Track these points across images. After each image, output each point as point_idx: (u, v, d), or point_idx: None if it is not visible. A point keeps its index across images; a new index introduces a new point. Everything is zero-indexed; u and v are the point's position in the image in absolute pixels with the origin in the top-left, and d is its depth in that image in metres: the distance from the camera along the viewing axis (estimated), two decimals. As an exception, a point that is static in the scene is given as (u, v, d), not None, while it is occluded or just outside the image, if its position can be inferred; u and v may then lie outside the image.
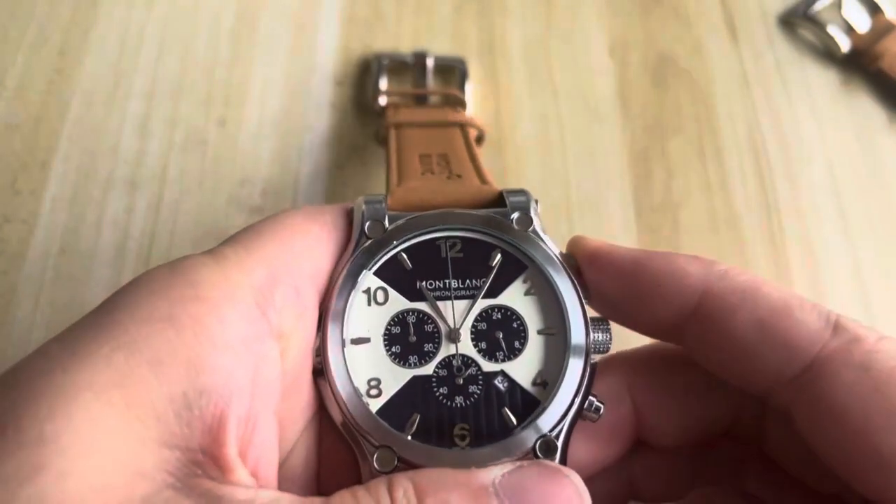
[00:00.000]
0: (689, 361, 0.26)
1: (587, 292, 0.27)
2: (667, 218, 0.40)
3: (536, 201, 0.29)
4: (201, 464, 0.21)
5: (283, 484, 0.25)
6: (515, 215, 0.28)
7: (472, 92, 0.43)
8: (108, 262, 0.38)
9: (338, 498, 0.21)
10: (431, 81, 0.43)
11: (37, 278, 0.37)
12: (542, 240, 0.27)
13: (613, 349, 0.27)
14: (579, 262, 0.27)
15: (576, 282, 0.27)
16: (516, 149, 0.42)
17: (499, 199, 0.29)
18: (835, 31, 0.45)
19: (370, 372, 0.26)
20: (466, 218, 0.28)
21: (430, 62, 0.43)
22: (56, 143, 0.41)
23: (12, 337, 0.36)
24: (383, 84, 0.43)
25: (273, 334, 0.24)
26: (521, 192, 0.29)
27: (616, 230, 0.39)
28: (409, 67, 0.44)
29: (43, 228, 0.38)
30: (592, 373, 0.26)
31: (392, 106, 0.41)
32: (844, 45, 0.45)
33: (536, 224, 0.28)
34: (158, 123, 0.42)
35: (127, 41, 0.44)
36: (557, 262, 0.27)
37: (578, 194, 0.41)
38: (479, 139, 0.41)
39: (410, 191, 0.29)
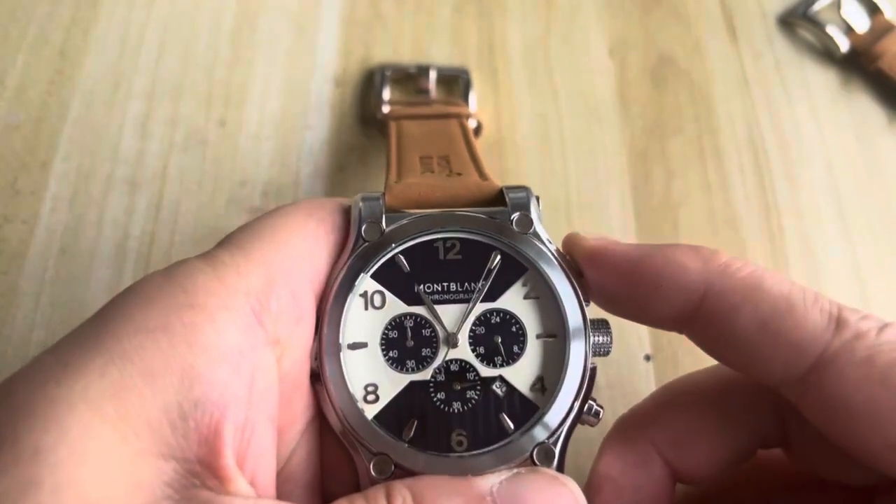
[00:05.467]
0: (701, 401, 0.26)
1: (588, 292, 0.27)
2: (667, 218, 0.40)
3: (538, 198, 0.28)
4: (199, 475, 0.20)
5: (285, 486, 0.25)
6: (516, 216, 0.27)
7: (476, 102, 0.43)
8: (108, 262, 0.38)
9: None
10: (434, 92, 0.43)
11: (37, 278, 0.37)
12: (542, 241, 0.27)
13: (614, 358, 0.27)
14: (578, 261, 0.27)
15: (576, 285, 0.26)
16: (516, 149, 0.42)
17: (499, 196, 0.28)
18: (834, 32, 0.45)
19: (367, 377, 0.26)
20: (464, 219, 0.27)
21: (433, 74, 0.43)
22: (56, 144, 0.41)
23: (12, 337, 0.36)
24: (386, 95, 0.43)
25: (269, 341, 0.23)
26: (522, 188, 0.28)
27: (616, 230, 0.39)
28: (412, 77, 0.44)
29: (43, 228, 0.38)
30: (592, 377, 0.26)
31: (393, 108, 0.41)
32: (844, 45, 0.45)
33: (537, 224, 0.27)
34: (158, 123, 0.42)
35: (127, 41, 0.44)
36: (557, 264, 0.27)
37: (578, 194, 0.41)
38: (478, 131, 0.41)
39: (408, 187, 0.29)
